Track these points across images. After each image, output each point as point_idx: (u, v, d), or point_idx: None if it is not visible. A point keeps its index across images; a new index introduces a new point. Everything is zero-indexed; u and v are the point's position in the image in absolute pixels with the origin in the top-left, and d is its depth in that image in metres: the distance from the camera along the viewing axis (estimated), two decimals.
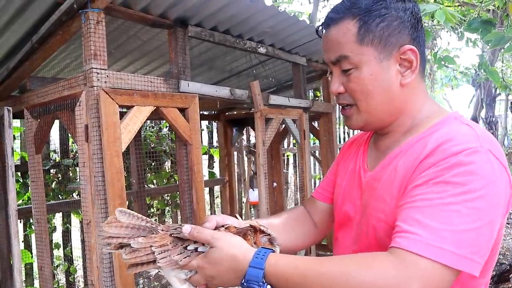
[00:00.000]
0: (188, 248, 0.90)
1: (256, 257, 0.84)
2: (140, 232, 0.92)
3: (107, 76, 1.70)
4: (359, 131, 1.10)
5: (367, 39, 0.91)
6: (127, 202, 2.21)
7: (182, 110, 2.02)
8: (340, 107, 1.04)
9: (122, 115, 1.76)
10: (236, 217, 1.09)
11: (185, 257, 0.89)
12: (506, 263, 4.41)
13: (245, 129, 4.62)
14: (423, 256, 0.74)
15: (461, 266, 0.74)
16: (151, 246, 0.89)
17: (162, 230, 0.94)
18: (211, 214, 4.60)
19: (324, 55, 1.01)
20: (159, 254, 0.88)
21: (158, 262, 0.88)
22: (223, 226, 1.00)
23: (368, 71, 0.92)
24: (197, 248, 0.90)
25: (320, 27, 1.02)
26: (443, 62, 2.87)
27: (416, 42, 0.94)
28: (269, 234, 0.96)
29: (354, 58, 0.92)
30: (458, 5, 4.13)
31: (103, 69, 1.69)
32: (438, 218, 0.76)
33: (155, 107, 1.86)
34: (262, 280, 0.82)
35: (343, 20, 0.94)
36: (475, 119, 8.88)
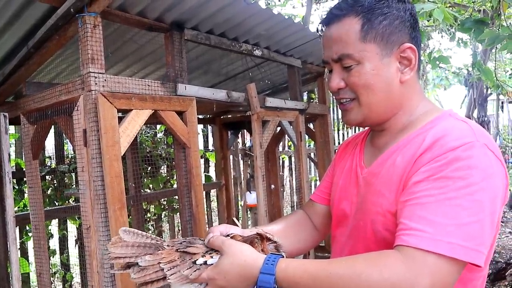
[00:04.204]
0: (197, 262, 0.90)
1: (266, 263, 0.85)
2: (146, 250, 0.91)
3: (105, 80, 1.70)
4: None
5: (370, 36, 0.93)
6: None
7: (180, 114, 2.02)
8: (338, 104, 1.04)
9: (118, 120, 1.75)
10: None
11: (195, 271, 0.88)
12: (502, 261, 4.44)
13: (240, 132, 4.62)
14: (432, 252, 0.75)
15: (469, 258, 0.76)
16: (159, 263, 0.89)
17: (167, 245, 0.93)
18: (207, 217, 4.58)
19: (324, 52, 1.01)
20: (168, 270, 0.88)
21: (169, 279, 0.87)
22: (228, 235, 1.00)
23: (370, 67, 0.94)
24: (206, 261, 0.90)
25: (320, 25, 1.02)
26: (437, 62, 2.89)
27: (415, 42, 0.97)
28: (275, 242, 0.97)
29: (357, 55, 0.94)
30: (449, 6, 4.17)
31: (100, 73, 1.68)
32: (442, 213, 0.77)
33: (153, 111, 1.86)
34: (274, 286, 0.82)
35: (346, 17, 0.95)
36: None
